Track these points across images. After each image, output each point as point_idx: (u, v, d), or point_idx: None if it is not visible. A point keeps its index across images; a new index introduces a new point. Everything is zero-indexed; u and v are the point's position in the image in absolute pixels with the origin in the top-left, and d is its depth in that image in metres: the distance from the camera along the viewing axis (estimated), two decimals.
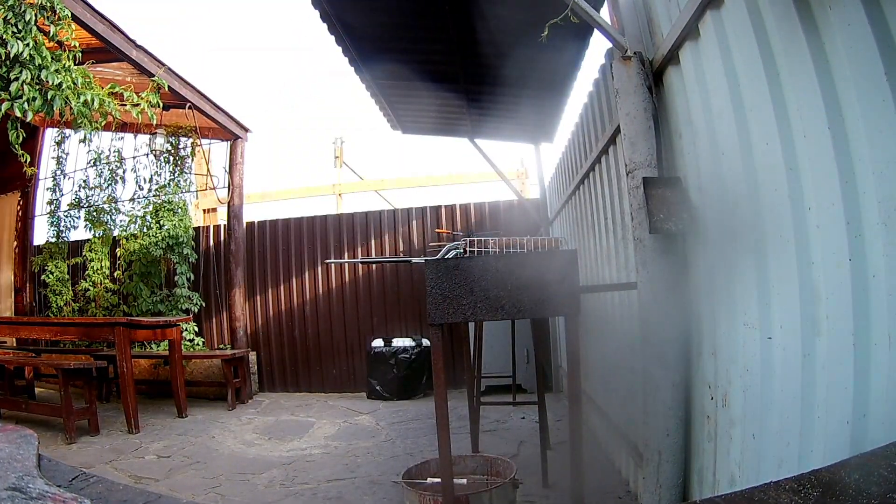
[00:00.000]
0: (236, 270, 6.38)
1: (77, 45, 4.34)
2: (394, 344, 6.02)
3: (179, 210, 6.44)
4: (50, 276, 6.76)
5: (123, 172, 6.71)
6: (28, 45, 3.97)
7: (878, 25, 1.13)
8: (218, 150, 7.08)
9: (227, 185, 6.65)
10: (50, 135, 7.21)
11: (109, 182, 6.66)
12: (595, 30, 2.14)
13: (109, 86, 4.77)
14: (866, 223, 1.18)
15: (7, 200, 7.44)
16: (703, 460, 1.88)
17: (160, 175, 6.59)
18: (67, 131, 6.79)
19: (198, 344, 6.32)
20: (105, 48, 4.85)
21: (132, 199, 6.67)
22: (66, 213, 6.93)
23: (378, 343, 6.07)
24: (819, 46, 1.28)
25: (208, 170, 6.89)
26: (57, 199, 6.98)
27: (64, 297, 6.72)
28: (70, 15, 4.23)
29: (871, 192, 1.16)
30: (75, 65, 4.38)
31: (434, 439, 2.17)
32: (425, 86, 3.89)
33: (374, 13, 2.99)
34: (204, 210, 7.90)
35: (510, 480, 2.23)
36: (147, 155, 6.61)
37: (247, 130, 6.67)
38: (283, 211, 7.83)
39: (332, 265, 6.52)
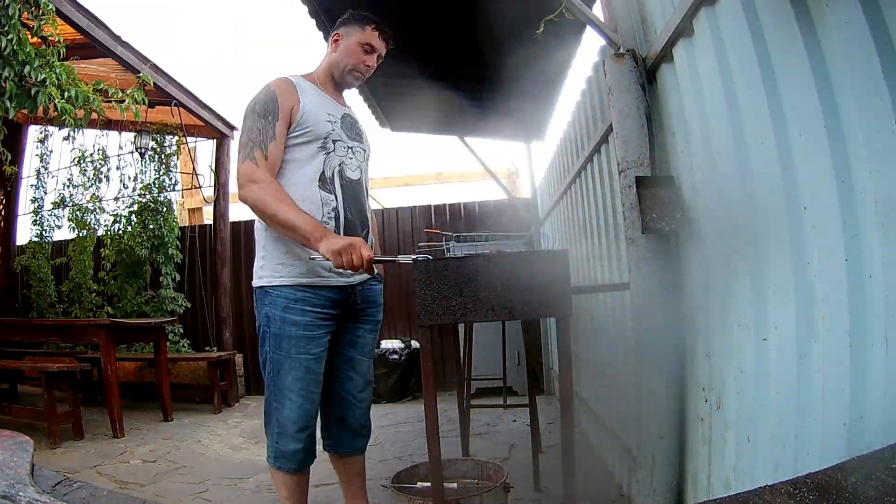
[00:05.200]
0: (222, 271, 6.30)
1: (62, 40, 4.26)
2: (382, 346, 5.97)
3: (164, 209, 6.34)
4: (33, 276, 6.64)
5: (108, 171, 6.60)
6: (11, 40, 3.89)
7: (875, 24, 1.12)
8: (204, 149, 7.00)
9: (213, 184, 6.57)
10: (33, 132, 7.08)
11: (93, 181, 6.55)
12: (588, 27, 2.12)
13: (94, 82, 4.69)
14: (863, 223, 1.16)
15: None
16: (698, 463, 1.87)
17: (145, 174, 6.49)
18: (51, 128, 6.67)
19: (183, 346, 6.23)
20: (89, 44, 4.77)
21: (117, 199, 6.57)
22: (49, 213, 6.81)
23: None
24: (815, 44, 1.27)
25: (194, 168, 6.80)
26: (40, 198, 6.86)
27: (47, 298, 6.60)
28: (54, 10, 4.15)
29: (867, 191, 1.14)
30: (59, 60, 4.30)
31: (424, 443, 2.14)
32: (415, 83, 3.85)
33: (366, 9, 2.95)
34: (189, 210, 7.80)
35: (501, 484, 2.20)
36: (132, 153, 6.51)
37: (233, 129, 6.60)
38: None
39: None
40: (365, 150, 2.03)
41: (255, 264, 1.94)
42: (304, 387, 1.86)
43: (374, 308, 2.10)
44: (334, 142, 1.90)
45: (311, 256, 1.77)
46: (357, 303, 2.00)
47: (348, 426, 2.09)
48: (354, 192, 1.93)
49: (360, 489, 2.18)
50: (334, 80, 2.02)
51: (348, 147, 1.94)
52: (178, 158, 6.68)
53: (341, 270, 1.82)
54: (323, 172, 1.86)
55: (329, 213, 1.85)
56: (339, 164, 1.90)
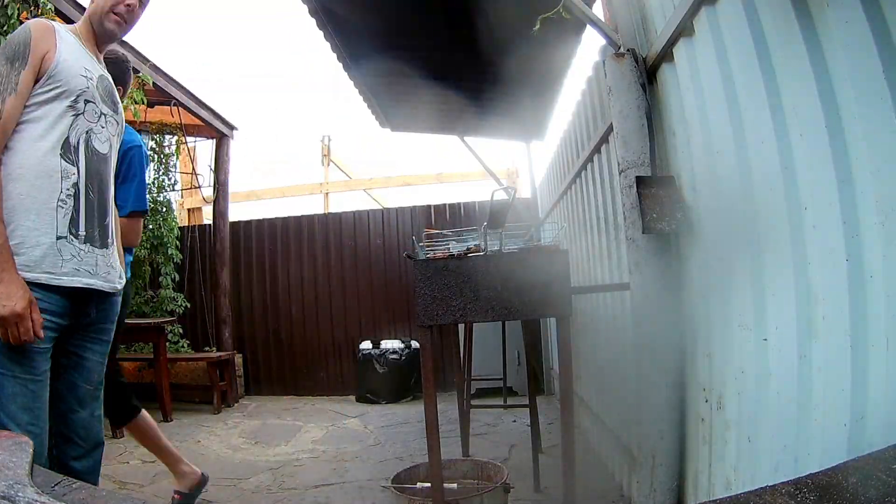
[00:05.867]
0: (222, 271, 6.29)
1: None
2: (382, 346, 5.97)
3: (164, 209, 6.33)
4: None
5: None
6: None
7: (876, 23, 1.11)
8: (203, 148, 6.98)
9: (212, 184, 6.56)
10: None
11: None
12: (588, 26, 2.12)
13: None
14: (864, 223, 1.16)
15: None
16: (698, 464, 1.86)
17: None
18: None
19: (183, 346, 6.22)
20: None
21: None
22: None
23: (366, 345, 6.01)
24: (816, 44, 1.26)
25: (193, 168, 6.79)
26: None
27: None
28: (53, 9, 4.14)
29: (868, 191, 1.14)
30: None
31: (424, 443, 2.14)
32: (416, 83, 3.85)
33: (365, 9, 2.95)
34: (188, 209, 7.78)
35: (501, 485, 2.20)
36: None
37: (233, 128, 6.58)
38: (269, 210, 7.72)
39: (317, 264, 6.44)
40: (118, 123, 1.75)
41: None
42: (33, 420, 1.46)
43: (109, 324, 1.72)
44: (86, 102, 1.61)
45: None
46: (95, 313, 1.66)
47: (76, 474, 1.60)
48: (99, 168, 1.64)
49: None
50: (94, 32, 1.72)
51: (101, 113, 1.66)
52: (177, 158, 6.66)
53: (90, 270, 1.58)
54: (67, 138, 1.56)
55: (69, 188, 1.55)
56: (88, 132, 1.61)
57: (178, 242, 6.36)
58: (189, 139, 6.65)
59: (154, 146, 6.42)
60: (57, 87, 1.55)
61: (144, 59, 5.17)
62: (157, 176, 6.44)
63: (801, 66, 1.29)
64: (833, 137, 1.21)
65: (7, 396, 1.43)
